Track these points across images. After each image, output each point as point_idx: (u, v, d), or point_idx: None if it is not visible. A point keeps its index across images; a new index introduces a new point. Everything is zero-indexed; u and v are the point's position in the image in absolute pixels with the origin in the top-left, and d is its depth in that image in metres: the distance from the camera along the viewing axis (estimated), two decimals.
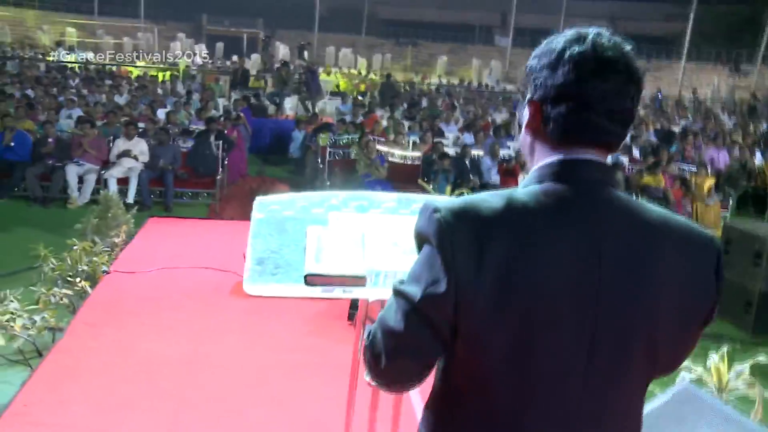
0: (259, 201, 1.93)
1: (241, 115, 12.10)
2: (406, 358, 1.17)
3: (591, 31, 1.15)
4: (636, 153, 11.61)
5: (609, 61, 1.12)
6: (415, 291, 1.11)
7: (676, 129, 15.22)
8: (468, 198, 1.14)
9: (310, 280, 1.64)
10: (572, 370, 1.10)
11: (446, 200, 1.14)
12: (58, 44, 24.63)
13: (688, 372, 3.12)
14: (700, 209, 9.94)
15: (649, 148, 11.69)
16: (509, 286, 1.06)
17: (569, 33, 1.16)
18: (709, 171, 10.69)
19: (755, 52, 27.14)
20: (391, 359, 1.17)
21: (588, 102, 1.12)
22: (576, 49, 1.12)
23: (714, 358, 3.09)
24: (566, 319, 1.08)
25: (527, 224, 1.09)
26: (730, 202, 10.45)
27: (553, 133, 1.16)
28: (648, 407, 2.63)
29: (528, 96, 1.20)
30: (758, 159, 12.08)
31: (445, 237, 1.09)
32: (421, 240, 1.14)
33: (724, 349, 3.14)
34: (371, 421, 2.06)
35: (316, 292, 1.67)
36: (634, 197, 1.21)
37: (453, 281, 1.07)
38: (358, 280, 1.71)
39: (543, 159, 1.18)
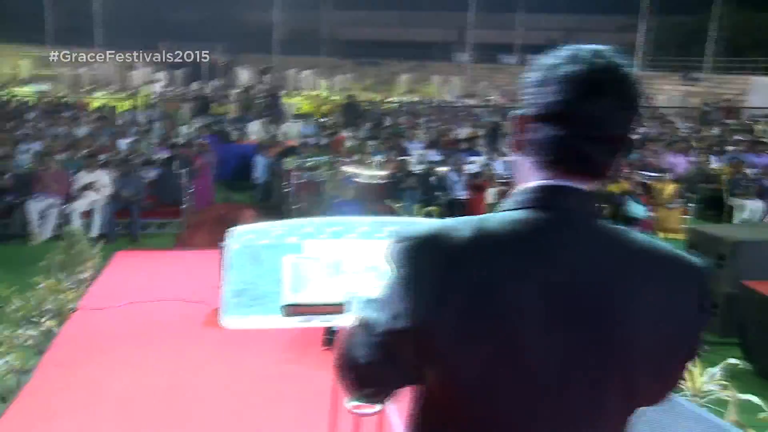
0: (234, 231, 1.91)
1: (205, 142, 12.02)
2: (371, 386, 1.16)
3: (589, 49, 1.07)
4: None
5: (602, 84, 1.04)
6: (378, 322, 1.07)
7: (636, 137, 15.53)
8: (438, 226, 1.08)
9: (288, 310, 1.63)
10: (542, 406, 1.05)
11: (417, 229, 1.09)
12: (12, 78, 24.17)
13: None
14: (663, 214, 10.15)
15: None
16: (475, 319, 1.01)
17: (568, 49, 1.10)
18: (670, 176, 10.93)
19: (705, 60, 27.97)
20: (357, 388, 1.16)
21: (574, 125, 1.05)
22: (569, 68, 1.06)
23: None
24: (535, 354, 1.02)
25: (497, 255, 1.03)
26: (691, 206, 10.69)
27: (535, 153, 1.10)
28: None
29: (517, 111, 1.14)
30: (714, 162, 12.39)
31: (411, 268, 1.05)
32: (390, 266, 1.10)
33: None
34: None
35: (295, 322, 1.67)
36: (616, 224, 1.13)
37: (417, 314, 1.03)
38: (336, 308, 1.71)
39: (524, 181, 1.13)
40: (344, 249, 1.88)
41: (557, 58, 1.09)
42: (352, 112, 17.37)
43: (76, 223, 8.62)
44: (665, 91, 28.79)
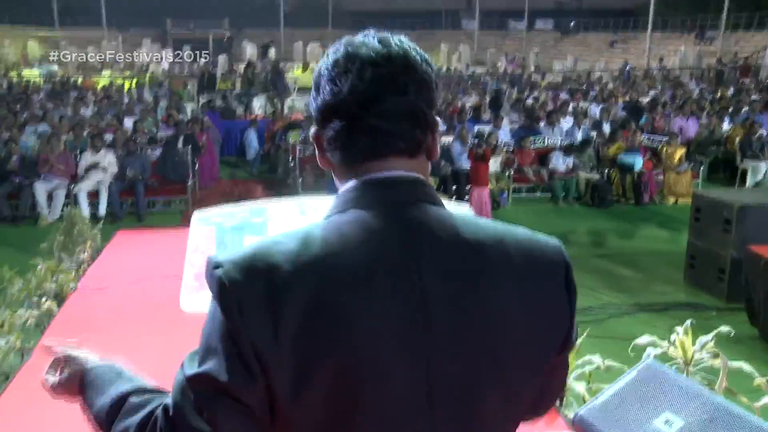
0: (198, 215, 1.90)
1: (206, 118, 12.01)
2: None
3: (349, 37, 1.01)
4: (606, 127, 11.67)
5: (365, 59, 0.96)
6: (218, 368, 0.88)
7: (645, 100, 15.31)
8: (257, 245, 0.93)
9: None
10: (412, 427, 0.93)
11: (232, 252, 0.93)
12: (21, 59, 24.26)
13: (653, 348, 3.15)
14: (672, 179, 10.03)
15: (619, 121, 11.75)
16: (315, 345, 0.87)
17: (329, 50, 1.03)
18: (679, 140, 10.78)
19: (719, 17, 27.35)
20: None
21: (351, 108, 0.96)
22: (330, 59, 0.99)
23: (679, 332, 3.11)
24: (393, 375, 0.90)
25: (330, 266, 0.90)
26: (701, 169, 10.55)
27: (335, 157, 1.00)
28: (614, 387, 2.64)
29: (311, 131, 1.05)
30: (728, 124, 12.18)
31: (231, 299, 0.88)
32: (211, 298, 0.93)
33: (687, 322, 3.17)
34: None
35: None
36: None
37: (253, 353, 0.87)
38: None
39: (342, 185, 1.01)
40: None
41: (321, 62, 1.02)
42: None
43: (83, 204, 8.70)
44: (678, 52, 28.25)
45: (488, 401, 0.96)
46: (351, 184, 0.99)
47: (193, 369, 0.91)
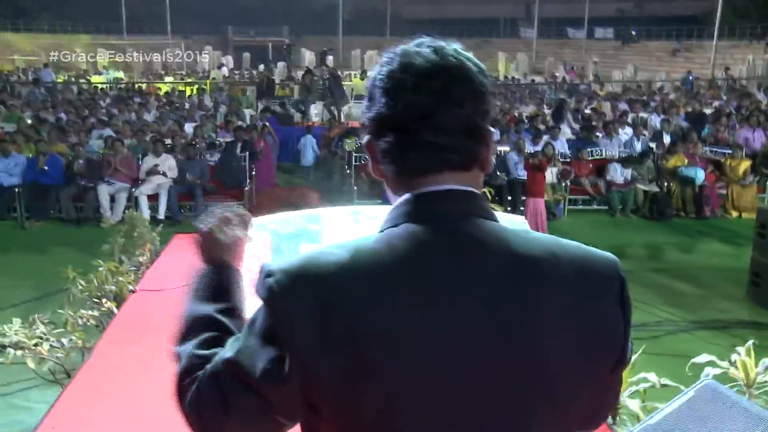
0: (256, 223, 1.94)
1: (267, 124, 12.22)
2: None
3: (403, 47, 1.01)
4: (666, 139, 11.37)
5: (417, 69, 0.96)
6: (252, 364, 0.93)
7: (709, 111, 14.85)
8: (308, 255, 0.95)
9: None
10: None
11: (285, 261, 0.95)
12: (90, 67, 25.23)
13: (712, 367, 3.04)
14: (736, 192, 9.70)
15: (680, 132, 11.44)
16: (363, 354, 0.89)
17: (383, 58, 1.02)
18: (744, 152, 10.42)
19: None
20: None
21: (405, 122, 0.96)
22: (384, 70, 0.99)
23: (740, 352, 3.00)
24: (440, 386, 0.91)
25: (379, 278, 0.91)
26: (767, 183, 10.17)
27: (388, 170, 1.01)
28: (670, 407, 2.57)
29: (363, 140, 1.08)
30: None
31: (280, 306, 0.91)
32: (260, 302, 0.96)
33: (750, 342, 3.05)
34: None
35: None
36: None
37: (295, 357, 0.90)
38: None
39: (395, 199, 1.02)
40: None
41: (374, 70, 1.02)
42: None
43: (144, 206, 8.96)
44: (746, 61, 27.31)
45: (537, 415, 0.95)
46: (404, 197, 0.99)
47: (230, 353, 0.96)
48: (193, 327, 1.10)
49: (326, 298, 0.90)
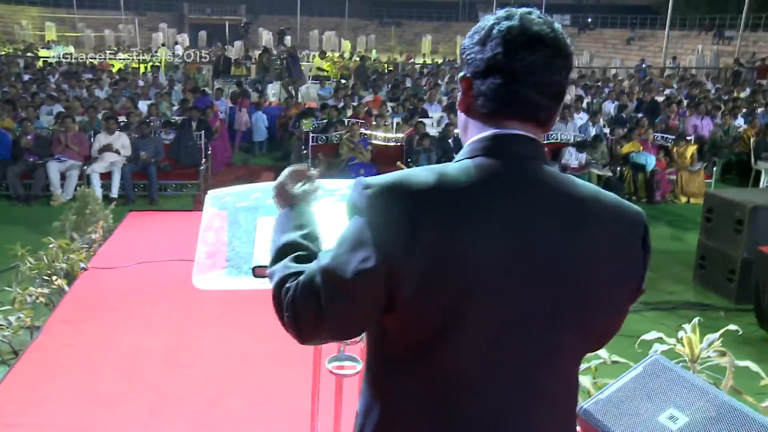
0: (211, 194, 1.91)
1: (216, 106, 12.02)
2: (327, 333, 1.18)
3: (521, 10, 1.17)
4: (619, 125, 11.58)
5: (536, 35, 1.13)
6: (344, 267, 1.09)
7: (660, 99, 15.19)
8: (400, 173, 1.13)
9: (258, 272, 1.63)
10: (504, 342, 1.11)
11: (379, 177, 1.13)
12: (39, 40, 24.35)
13: (660, 344, 3.14)
14: (684, 178, 9.96)
15: (633, 118, 11.67)
16: (440, 260, 1.06)
17: (500, 12, 1.18)
18: (693, 139, 10.68)
19: (739, 17, 27.03)
20: (312, 336, 1.17)
21: (516, 74, 1.13)
22: (504, 24, 1.15)
23: (686, 329, 3.10)
24: (497, 293, 1.09)
25: (458, 199, 1.09)
26: (714, 170, 10.46)
27: (484, 107, 1.17)
28: (619, 382, 2.64)
29: (461, 74, 1.21)
30: (743, 125, 12.07)
31: (376, 212, 1.09)
32: (352, 213, 1.13)
33: (695, 320, 3.15)
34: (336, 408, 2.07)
35: (265, 283, 1.66)
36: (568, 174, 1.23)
37: (383, 257, 1.06)
38: None
39: (475, 134, 1.19)
40: (322, 211, 1.86)
41: (491, 19, 1.18)
42: (363, 75, 17.23)
43: (96, 185, 8.74)
44: (695, 51, 27.97)
45: (567, 334, 1.15)
46: (487, 133, 1.17)
47: (324, 261, 1.12)
48: (282, 250, 1.27)
49: (414, 210, 1.07)
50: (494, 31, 1.15)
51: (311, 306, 1.13)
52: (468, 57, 1.19)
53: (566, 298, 1.12)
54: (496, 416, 1.13)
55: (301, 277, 1.16)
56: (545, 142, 10.32)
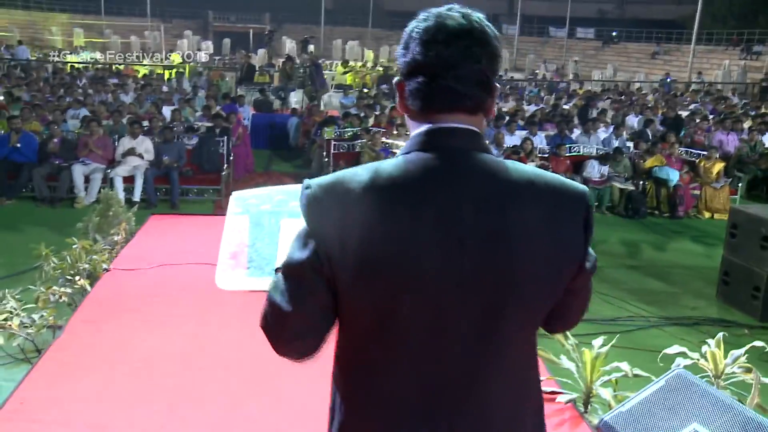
0: (236, 196, 1.92)
1: (239, 113, 12.13)
2: (299, 334, 1.23)
3: (439, 9, 1.22)
4: (643, 139, 11.48)
5: (450, 30, 1.18)
6: (292, 258, 1.17)
7: (685, 114, 15.04)
8: (340, 173, 1.19)
9: None
10: (441, 331, 1.16)
11: (321, 177, 1.19)
12: (67, 45, 24.76)
13: (682, 358, 3.09)
14: (709, 194, 9.85)
15: (657, 133, 11.56)
16: (372, 254, 1.12)
17: (420, 14, 1.24)
18: (718, 154, 10.57)
19: (767, 32, 26.76)
20: (278, 336, 1.24)
21: (435, 70, 1.18)
22: (421, 25, 1.20)
23: (710, 344, 3.05)
24: (432, 281, 1.14)
25: (391, 194, 1.14)
26: (740, 185, 10.33)
27: (414, 105, 1.23)
28: (641, 395, 2.61)
29: (395, 79, 1.27)
30: (767, 141, 11.92)
31: (313, 211, 1.16)
32: (301, 212, 1.20)
33: (720, 335, 3.10)
34: None
35: None
36: (510, 160, 1.26)
37: (322, 253, 1.13)
38: None
39: (414, 128, 1.24)
40: None
41: (413, 23, 1.22)
42: (385, 85, 17.29)
43: (119, 188, 8.84)
44: (721, 66, 27.69)
45: (507, 314, 1.18)
46: (420, 130, 1.22)
47: (281, 262, 1.20)
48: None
49: (348, 208, 1.13)
50: (413, 34, 1.21)
51: (275, 305, 1.21)
52: (399, 63, 1.25)
53: (502, 277, 1.16)
54: (442, 390, 1.19)
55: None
56: (567, 154, 10.37)
